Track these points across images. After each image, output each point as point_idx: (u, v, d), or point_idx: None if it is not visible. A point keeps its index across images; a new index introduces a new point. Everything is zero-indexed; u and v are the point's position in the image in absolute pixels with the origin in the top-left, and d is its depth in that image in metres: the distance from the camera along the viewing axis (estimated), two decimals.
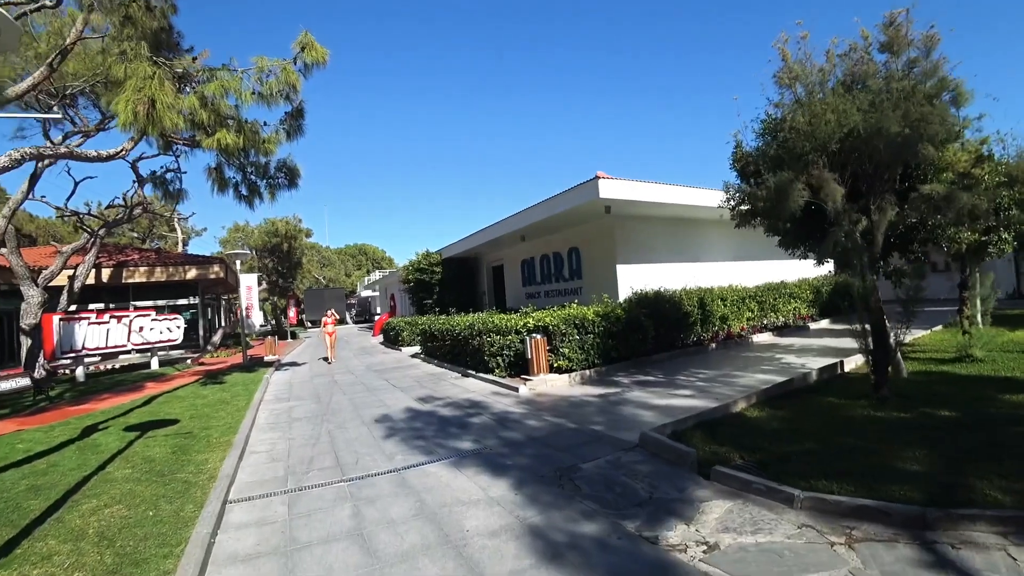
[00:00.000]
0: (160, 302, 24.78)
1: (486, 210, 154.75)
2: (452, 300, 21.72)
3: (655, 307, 11.76)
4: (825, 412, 6.72)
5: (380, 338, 26.46)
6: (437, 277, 22.94)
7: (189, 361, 20.16)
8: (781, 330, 15.12)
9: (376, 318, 36.82)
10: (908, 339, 12.34)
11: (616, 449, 5.76)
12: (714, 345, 12.93)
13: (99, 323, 16.97)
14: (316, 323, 54.26)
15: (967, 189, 7.20)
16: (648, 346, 11.34)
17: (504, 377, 10.31)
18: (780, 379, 8.74)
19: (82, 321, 16.46)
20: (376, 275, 55.52)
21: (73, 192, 23.24)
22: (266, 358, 19.85)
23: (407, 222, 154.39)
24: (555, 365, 9.96)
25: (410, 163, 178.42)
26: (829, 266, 22.98)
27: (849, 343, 12.83)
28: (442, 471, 5.39)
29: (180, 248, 32.48)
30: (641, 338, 11.05)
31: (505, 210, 16.52)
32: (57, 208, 18.58)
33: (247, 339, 27.06)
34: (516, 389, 9.29)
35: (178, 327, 19.25)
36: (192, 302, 24.23)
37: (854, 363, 9.79)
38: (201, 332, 24.26)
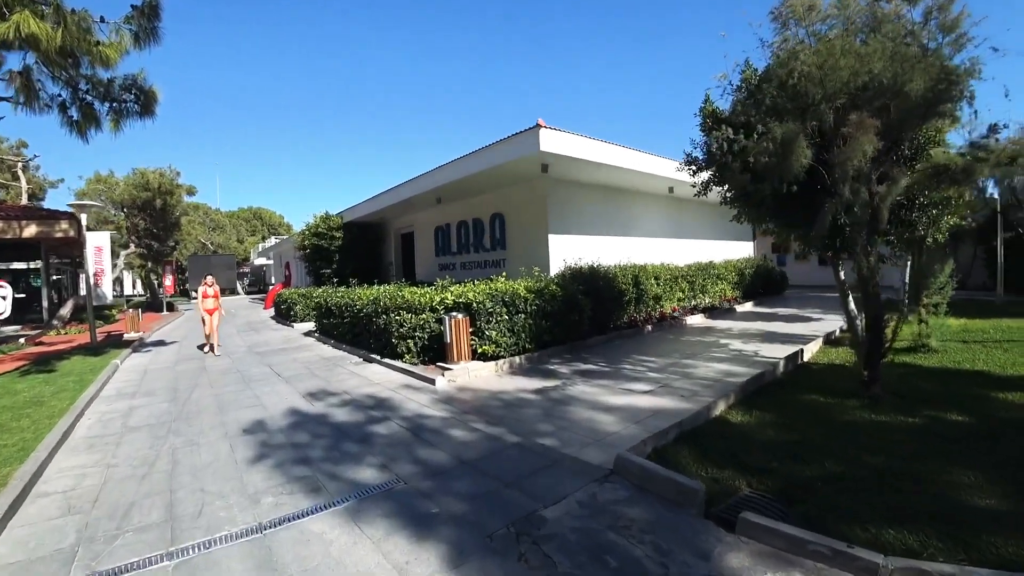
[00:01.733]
0: None
1: (398, 175, 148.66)
2: (354, 270, 19.14)
3: (591, 284, 10.32)
4: (819, 415, 5.52)
5: (272, 312, 23.48)
6: (337, 243, 20.22)
7: (23, 340, 16.36)
8: (711, 312, 14.29)
9: (270, 289, 33.17)
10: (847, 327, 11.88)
11: (585, 479, 4.11)
12: (649, 327, 11.72)
13: None
14: None
15: (980, 162, 6.18)
16: (584, 328, 9.86)
17: (416, 365, 8.41)
18: (741, 370, 7.62)
19: None
20: (272, 241, 50.86)
21: None
22: (126, 335, 16.56)
23: (309, 185, 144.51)
24: (479, 351, 8.19)
25: (316, 120, 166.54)
26: (750, 247, 22.97)
27: (784, 327, 12.21)
28: (333, 529, 3.45)
29: (24, 201, 27.17)
30: (577, 319, 9.54)
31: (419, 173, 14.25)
32: None
33: (111, 312, 23.04)
34: (432, 382, 7.43)
35: (4, 298, 15.45)
36: (33, 266, 20.17)
37: (810, 352, 8.85)
38: (46, 304, 20.23)
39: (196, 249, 52.89)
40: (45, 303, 19.97)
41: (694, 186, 8.61)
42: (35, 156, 24.09)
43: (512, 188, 13.28)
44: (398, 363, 8.57)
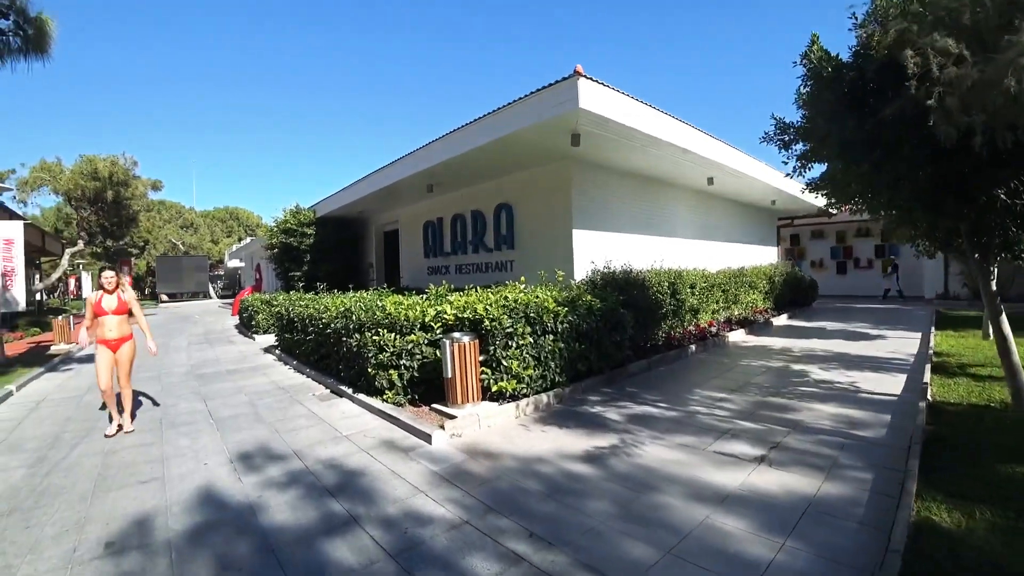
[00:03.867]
0: None
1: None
2: (328, 273, 16.43)
3: (628, 294, 8.04)
4: None
5: (237, 319, 20.70)
6: (309, 241, 17.39)
7: None
8: (750, 327, 12.05)
9: (238, 293, 30.21)
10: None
11: None
12: (693, 347, 9.44)
13: None
14: (174, 296, 45.64)
15: None
16: (625, 352, 7.55)
17: (403, 407, 5.96)
18: (861, 415, 5.57)
19: None
20: (246, 241, 47.77)
21: None
22: (54, 348, 13.88)
23: (291, 183, 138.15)
24: (494, 388, 5.77)
25: (299, 108, 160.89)
26: (774, 253, 20.83)
27: (851, 348, 9.92)
28: None
29: None
30: (619, 340, 7.21)
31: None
32: None
33: (20, 323, 19.88)
34: (427, 438, 4.99)
35: None
36: None
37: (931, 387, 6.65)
38: None
39: (166, 250, 49.80)
40: None
41: (785, 162, 6.36)
42: None
43: (526, 172, 10.85)
44: (377, 402, 6.10)
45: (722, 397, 6.38)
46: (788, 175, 6.40)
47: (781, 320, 14.19)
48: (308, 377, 8.47)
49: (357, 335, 6.48)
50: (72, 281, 44.07)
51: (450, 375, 5.34)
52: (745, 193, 15.31)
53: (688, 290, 10.29)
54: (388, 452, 4.81)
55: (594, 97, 6.99)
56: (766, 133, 6.41)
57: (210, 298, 48.05)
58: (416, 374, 5.97)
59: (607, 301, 7.00)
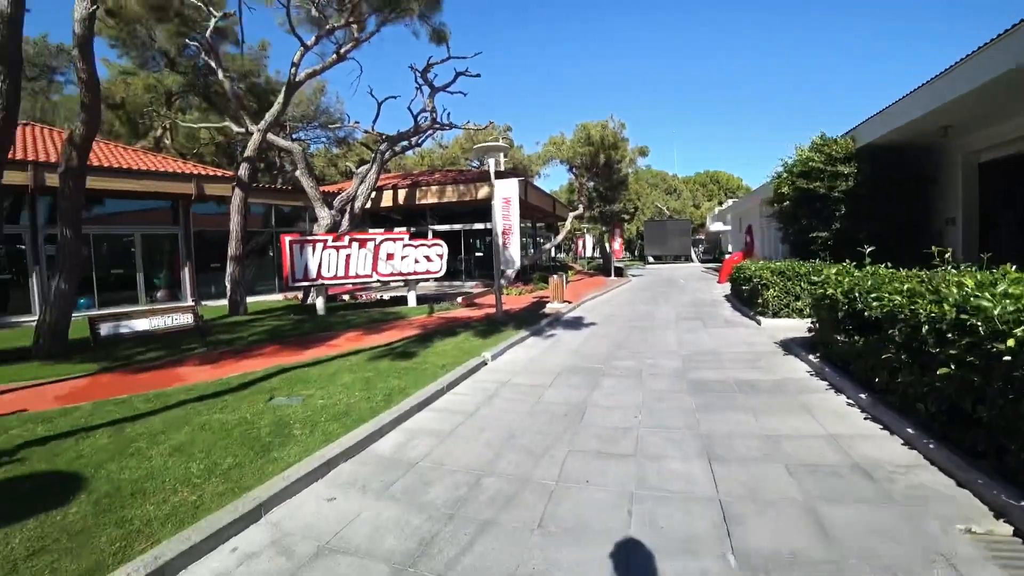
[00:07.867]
0: (457, 227, 22.17)
1: None
2: (873, 234, 9.90)
3: None
4: None
5: (726, 289, 17.46)
6: (844, 186, 11.82)
7: (459, 299, 15.61)
8: None
9: (726, 258, 27.10)
10: None
11: None
12: None
13: (336, 247, 13.15)
14: (659, 259, 47.52)
15: None
16: None
17: None
18: None
19: (316, 245, 12.89)
20: (729, 203, 45.24)
21: (377, 114, 25.69)
22: (548, 306, 13.73)
23: (774, 138, 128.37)
24: None
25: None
26: None
27: None
28: None
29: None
30: None
31: None
32: (365, 131, 20.67)
33: (534, 276, 21.03)
34: None
35: (439, 255, 14.85)
36: (488, 227, 20.56)
37: None
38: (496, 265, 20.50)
39: (653, 214, 52.36)
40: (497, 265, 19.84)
41: None
42: (485, 126, 23.74)
43: None
44: None
45: None
46: None
47: None
48: (913, 448, 3.99)
49: None
50: (580, 242, 50.39)
51: None
52: None
53: None
54: None
55: None
56: None
57: (691, 262, 47.80)
58: None
59: None
